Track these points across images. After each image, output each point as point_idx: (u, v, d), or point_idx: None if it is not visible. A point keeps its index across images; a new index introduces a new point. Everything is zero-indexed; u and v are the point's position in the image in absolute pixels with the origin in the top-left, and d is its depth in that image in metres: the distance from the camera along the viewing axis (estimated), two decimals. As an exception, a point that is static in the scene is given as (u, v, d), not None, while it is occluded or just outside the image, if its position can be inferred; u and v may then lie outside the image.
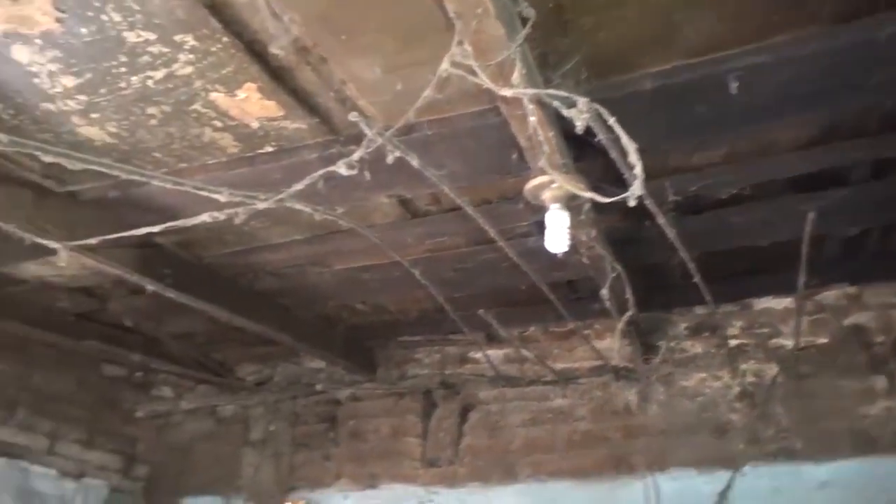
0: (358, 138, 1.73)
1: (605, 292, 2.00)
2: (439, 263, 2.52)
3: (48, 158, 1.51)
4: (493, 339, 3.25)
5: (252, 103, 1.71)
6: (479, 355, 3.32)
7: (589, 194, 1.38)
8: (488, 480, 3.16)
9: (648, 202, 1.58)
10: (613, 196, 1.32)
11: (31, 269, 2.60)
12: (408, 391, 3.38)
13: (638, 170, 1.21)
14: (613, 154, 1.42)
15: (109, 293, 2.84)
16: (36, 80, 1.64)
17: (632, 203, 1.29)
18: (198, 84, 1.65)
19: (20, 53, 1.58)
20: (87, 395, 3.33)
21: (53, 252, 2.18)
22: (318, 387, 3.37)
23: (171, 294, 2.41)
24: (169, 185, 1.59)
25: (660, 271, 2.55)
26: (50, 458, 3.09)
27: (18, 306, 2.84)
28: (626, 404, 3.06)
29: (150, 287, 2.34)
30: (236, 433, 3.58)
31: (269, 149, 1.89)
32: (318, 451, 3.45)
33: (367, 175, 1.74)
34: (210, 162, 1.94)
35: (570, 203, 1.60)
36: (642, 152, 1.27)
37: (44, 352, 3.13)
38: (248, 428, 3.58)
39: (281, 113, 1.75)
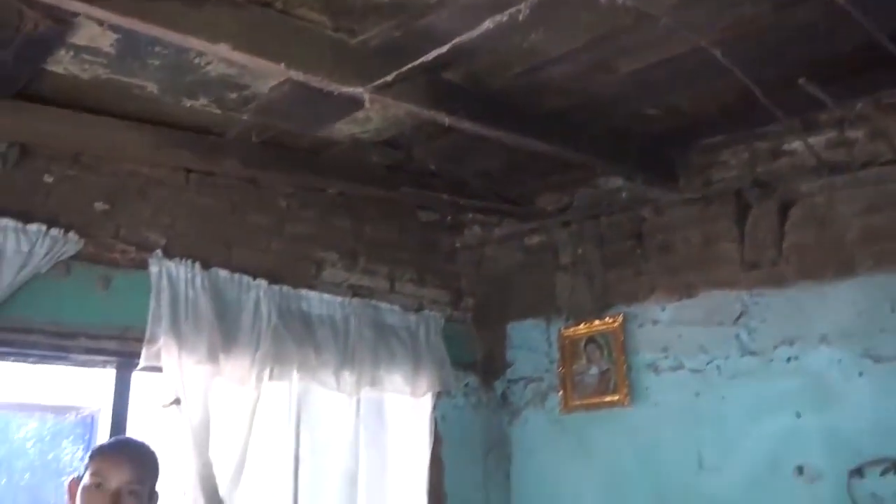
0: None
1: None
2: (741, 41, 2.22)
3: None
4: (811, 125, 2.89)
5: None
6: (795, 145, 2.98)
7: None
8: (820, 277, 2.90)
9: None
10: None
11: (344, 130, 2.86)
12: (716, 196, 3.18)
13: None
14: None
15: (411, 141, 3.02)
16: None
17: None
18: None
19: None
20: (410, 240, 3.67)
21: (360, 105, 2.36)
22: (624, 196, 3.31)
23: (465, 126, 2.48)
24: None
25: None
26: (392, 295, 3.51)
27: (341, 167, 3.17)
28: None
29: (446, 121, 2.42)
30: (547, 260, 3.72)
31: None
32: (628, 268, 3.45)
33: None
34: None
35: None
36: None
37: (368, 206, 3.49)
38: (557, 254, 3.69)
39: None
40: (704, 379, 3.13)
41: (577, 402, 3.46)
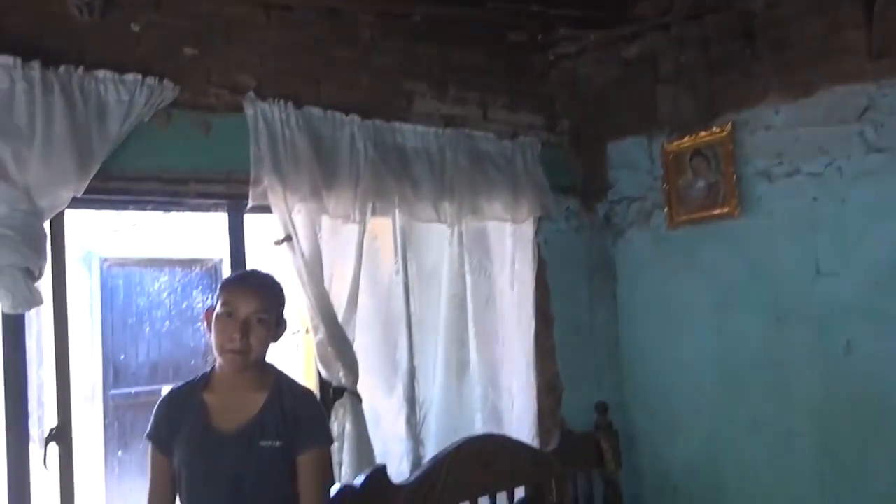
0: None
1: None
2: None
3: None
4: None
5: None
6: None
7: None
8: (964, 58, 2.60)
9: None
10: None
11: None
12: (839, -24, 2.84)
13: None
14: None
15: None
16: None
17: None
18: None
19: None
20: (500, 64, 3.52)
21: None
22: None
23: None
24: None
25: None
26: (485, 123, 3.41)
27: (420, -12, 3.02)
28: None
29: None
30: (645, 72, 3.50)
31: None
32: (736, 72, 3.21)
33: None
34: None
35: None
36: None
37: (454, 30, 3.33)
38: (657, 64, 3.46)
39: None
40: (823, 182, 2.96)
41: (684, 218, 3.37)
